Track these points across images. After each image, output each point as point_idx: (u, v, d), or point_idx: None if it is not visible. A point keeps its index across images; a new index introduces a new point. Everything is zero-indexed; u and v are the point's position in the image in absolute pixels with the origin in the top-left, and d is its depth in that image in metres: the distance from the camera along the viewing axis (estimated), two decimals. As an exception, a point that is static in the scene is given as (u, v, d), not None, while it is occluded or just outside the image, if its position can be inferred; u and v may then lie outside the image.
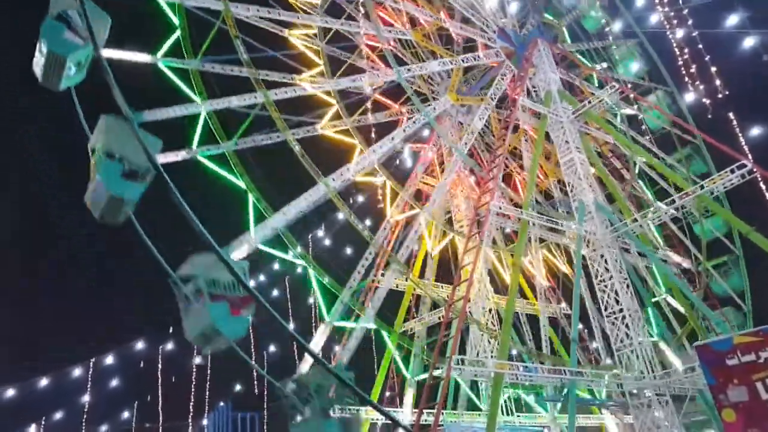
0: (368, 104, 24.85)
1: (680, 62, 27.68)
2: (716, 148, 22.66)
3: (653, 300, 22.06)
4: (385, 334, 22.61)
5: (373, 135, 25.53)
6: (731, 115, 26.36)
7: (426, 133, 26.73)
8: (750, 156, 24.67)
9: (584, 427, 26.47)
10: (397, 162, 27.23)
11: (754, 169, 18.46)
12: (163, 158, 14.55)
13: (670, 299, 24.01)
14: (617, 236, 19.79)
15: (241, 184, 19.95)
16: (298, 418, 11.43)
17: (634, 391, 17.66)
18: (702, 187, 18.42)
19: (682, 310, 23.59)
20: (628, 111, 29.02)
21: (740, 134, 26.12)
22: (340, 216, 23.07)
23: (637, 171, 28.22)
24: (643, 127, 29.90)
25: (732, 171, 17.87)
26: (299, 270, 23.65)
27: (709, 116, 26.79)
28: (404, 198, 23.06)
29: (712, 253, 26.55)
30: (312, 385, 11.31)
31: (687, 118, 29.20)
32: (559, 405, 25.25)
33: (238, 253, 17.58)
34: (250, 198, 19.69)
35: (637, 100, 28.36)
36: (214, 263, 10.45)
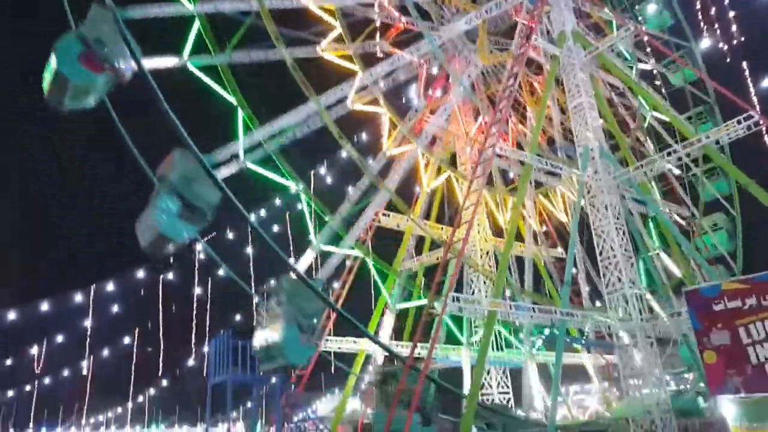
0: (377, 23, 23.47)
1: (698, 6, 27.02)
2: (726, 106, 22.45)
3: (646, 255, 22.38)
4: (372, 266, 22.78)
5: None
6: (744, 64, 25.99)
7: (435, 71, 26.32)
8: (758, 107, 24.63)
9: (567, 364, 27.69)
10: (403, 100, 26.82)
11: (761, 122, 18.40)
12: (150, 63, 14.13)
13: (662, 255, 24.48)
14: (618, 183, 19.96)
15: (232, 99, 19.35)
16: (265, 321, 11.73)
17: (620, 334, 18.29)
18: (708, 136, 18.41)
19: (672, 267, 24.18)
20: (645, 66, 28.50)
21: (751, 85, 25.81)
22: (344, 155, 22.99)
23: (646, 126, 28.10)
24: (657, 82, 29.52)
25: (739, 122, 17.80)
26: (299, 207, 23.52)
27: (727, 60, 26.34)
28: (402, 131, 22.76)
29: (709, 211, 26.87)
30: (286, 291, 11.51)
31: (702, 68, 28.67)
32: (539, 343, 26.36)
33: (226, 170, 17.56)
34: (240, 114, 19.15)
35: (657, 49, 27.73)
36: (195, 166, 10.27)
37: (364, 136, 25.25)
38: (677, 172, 28.29)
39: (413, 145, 21.52)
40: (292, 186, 20.55)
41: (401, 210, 22.96)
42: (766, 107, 25.05)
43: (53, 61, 9.91)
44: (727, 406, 11.21)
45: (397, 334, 25.14)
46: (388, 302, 23.06)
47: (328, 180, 25.54)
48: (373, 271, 23.10)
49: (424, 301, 23.90)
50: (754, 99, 25.65)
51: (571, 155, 25.16)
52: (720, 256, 24.36)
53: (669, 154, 20.21)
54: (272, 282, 12.83)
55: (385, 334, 22.55)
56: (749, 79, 26.37)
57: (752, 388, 11.07)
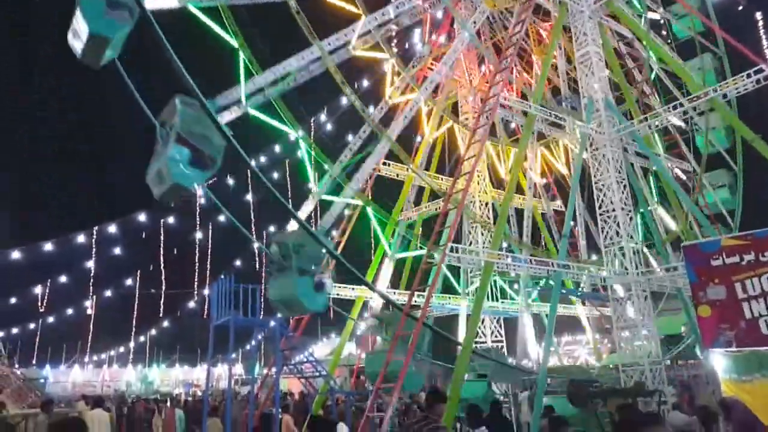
0: None
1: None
2: (736, 58, 21.92)
3: (645, 209, 22.37)
4: (371, 212, 22.77)
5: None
6: (758, 15, 25.26)
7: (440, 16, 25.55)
8: (769, 61, 24.07)
9: (560, 315, 28.30)
10: (407, 46, 26.16)
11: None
12: (150, 3, 13.70)
13: (660, 210, 24.51)
14: (622, 136, 19.77)
15: (234, 42, 18.86)
16: (277, 275, 11.96)
17: (615, 286, 18.54)
18: (715, 90, 18.09)
19: (669, 223, 24.26)
20: (654, 15, 27.62)
21: (764, 37, 25.16)
22: (344, 101, 22.60)
23: (652, 77, 27.53)
24: (664, 32, 28.73)
25: (748, 75, 17.43)
26: (299, 154, 23.30)
27: (740, 8, 25.56)
28: (406, 79, 22.33)
29: (711, 167, 26.67)
30: (291, 243, 11.66)
31: (712, 16, 27.84)
32: (534, 294, 26.88)
33: (228, 115, 17.36)
34: (241, 57, 18.69)
35: None
36: (198, 112, 10.06)
37: (366, 83, 24.69)
38: (680, 123, 27.99)
39: (416, 93, 21.13)
40: (292, 133, 20.33)
41: (402, 159, 22.78)
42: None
43: (83, 23, 9.56)
44: (718, 359, 11.48)
45: (395, 282, 25.49)
46: (386, 250, 23.18)
47: (329, 127, 25.15)
48: (373, 220, 23.17)
49: (422, 251, 24.11)
50: (767, 52, 25.05)
51: (575, 106, 24.82)
52: (719, 214, 24.42)
53: (675, 107, 19.96)
54: (278, 233, 12.91)
55: (384, 281, 22.77)
56: (762, 31, 25.69)
57: (744, 342, 11.30)
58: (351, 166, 20.86)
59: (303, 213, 19.02)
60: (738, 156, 26.14)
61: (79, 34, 9.78)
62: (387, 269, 23.16)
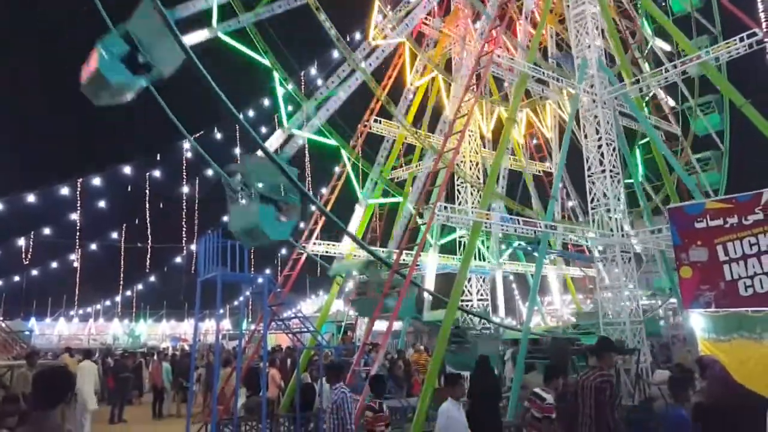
0: None
1: None
2: (731, 34, 21.65)
3: (635, 173, 22.48)
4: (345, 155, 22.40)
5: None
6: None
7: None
8: (764, 25, 23.94)
9: (545, 275, 28.83)
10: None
11: (765, 39, 17.90)
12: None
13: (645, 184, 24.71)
14: (614, 97, 19.68)
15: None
16: (238, 203, 11.70)
17: (600, 248, 18.78)
18: (708, 52, 17.95)
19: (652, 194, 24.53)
20: None
21: (759, 1, 24.88)
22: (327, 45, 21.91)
23: (648, 48, 27.30)
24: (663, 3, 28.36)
25: (741, 39, 17.28)
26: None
27: None
28: (389, 19, 21.64)
29: (698, 150, 26.89)
30: (252, 169, 11.34)
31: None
32: (505, 253, 27.27)
33: (195, 36, 16.76)
34: (276, 77, 19.11)
35: None
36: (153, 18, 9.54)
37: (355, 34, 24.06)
38: (671, 102, 27.97)
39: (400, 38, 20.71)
40: (265, 62, 19.56)
41: (386, 107, 22.43)
42: (771, 25, 24.32)
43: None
44: (697, 320, 11.79)
45: (383, 241, 25.60)
46: (359, 196, 22.68)
47: (315, 79, 24.56)
48: (351, 175, 22.78)
49: (398, 199, 23.95)
50: (761, 16, 24.81)
51: (562, 65, 24.50)
52: (704, 193, 24.70)
53: (667, 70, 19.82)
54: (241, 162, 12.42)
55: (354, 225, 22.27)
56: (758, -4, 25.36)
57: (723, 303, 11.59)
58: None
59: (270, 145, 18.41)
60: (726, 135, 26.42)
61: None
62: (358, 212, 22.66)
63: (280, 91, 19.86)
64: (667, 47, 27.68)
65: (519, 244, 24.74)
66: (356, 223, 22.34)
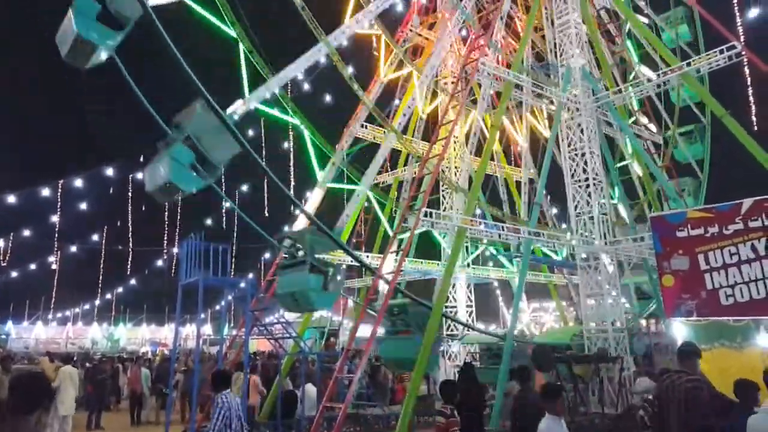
0: None
1: None
2: (712, 46, 22.08)
3: (620, 165, 22.74)
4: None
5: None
6: (734, -8, 25.38)
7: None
8: (743, 38, 24.36)
9: (537, 282, 28.97)
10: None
11: (743, 52, 18.23)
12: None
13: (636, 166, 24.91)
14: (597, 105, 19.88)
15: (232, 32, 18.28)
16: (287, 269, 12.19)
17: (583, 255, 18.89)
18: (689, 64, 18.21)
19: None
20: None
21: (738, 15, 25.37)
22: (322, 60, 21.86)
23: (626, 31, 27.55)
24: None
25: (721, 51, 17.57)
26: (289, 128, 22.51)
27: None
28: (399, 56, 21.77)
29: (683, 121, 27.34)
30: (308, 241, 11.91)
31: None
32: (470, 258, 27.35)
33: (234, 110, 16.82)
34: (242, 48, 18.20)
35: None
36: (210, 118, 9.90)
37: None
38: (654, 129, 28.39)
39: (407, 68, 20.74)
40: (230, 31, 19.12)
41: (377, 119, 22.35)
42: (751, 39, 24.78)
43: (72, 24, 9.00)
44: (679, 328, 11.87)
45: (368, 246, 25.51)
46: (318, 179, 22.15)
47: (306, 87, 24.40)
48: (312, 155, 22.30)
49: (359, 187, 23.46)
50: (740, 30, 25.27)
51: (548, 73, 24.70)
52: (688, 164, 25.10)
53: (649, 80, 20.09)
54: (292, 231, 12.89)
55: (311, 206, 21.69)
56: (736, 7, 25.85)
57: (704, 312, 11.68)
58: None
59: (312, 204, 18.63)
60: (705, 161, 26.95)
61: (66, 35, 9.25)
62: (317, 196, 22.14)
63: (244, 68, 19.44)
64: (652, 74, 28.13)
65: (498, 250, 24.83)
66: (312, 207, 21.62)
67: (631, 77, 26.25)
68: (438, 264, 25.93)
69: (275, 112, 20.57)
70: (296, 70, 18.66)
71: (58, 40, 9.74)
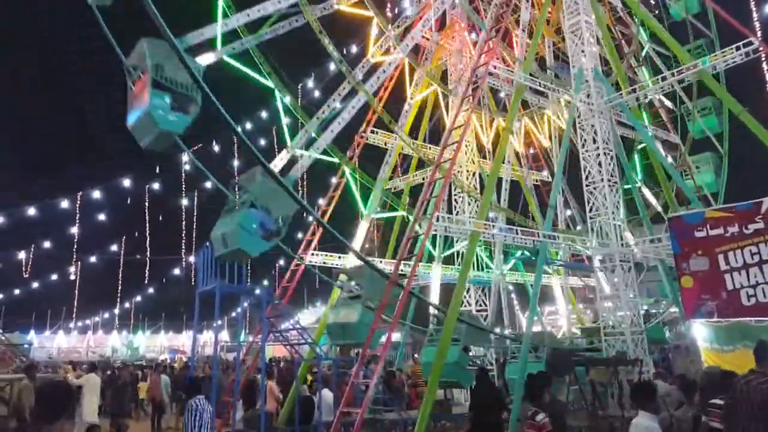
0: None
1: None
2: (728, 41, 21.77)
3: (633, 185, 22.46)
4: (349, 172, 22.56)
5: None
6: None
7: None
8: (759, 34, 24.04)
9: (544, 285, 28.69)
10: (396, 9, 25.52)
11: (761, 48, 17.99)
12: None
13: (644, 189, 24.69)
14: (611, 107, 19.71)
15: (269, 83, 19.27)
16: (227, 212, 11.69)
17: (599, 257, 18.72)
18: (705, 62, 18.01)
19: (652, 199, 24.51)
20: None
21: (754, 11, 25.01)
22: (326, 62, 22.04)
23: (643, 54, 27.40)
24: (656, 12, 28.55)
25: (737, 48, 17.36)
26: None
27: None
28: (389, 37, 21.74)
29: (698, 150, 26.90)
30: (256, 185, 11.30)
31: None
32: (507, 266, 27.16)
33: (202, 58, 16.76)
34: (278, 96, 19.38)
35: None
36: (167, 53, 9.89)
37: (352, 48, 24.11)
38: (669, 104, 28.04)
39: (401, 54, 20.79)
40: (267, 83, 19.71)
41: (387, 124, 22.45)
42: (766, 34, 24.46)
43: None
44: (699, 330, 11.70)
45: (382, 251, 25.51)
46: (362, 210, 22.75)
47: (314, 92, 24.56)
48: (352, 184, 22.78)
49: (400, 213, 23.94)
50: (756, 25, 24.94)
51: (559, 75, 24.60)
52: (703, 196, 24.64)
53: (664, 78, 19.89)
54: (244, 178, 12.39)
55: (359, 241, 22.30)
56: (753, 3, 25.50)
57: (725, 312, 11.51)
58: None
59: (275, 166, 18.49)
60: (725, 138, 26.40)
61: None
62: (363, 227, 22.69)
63: (285, 118, 20.37)
64: (665, 52, 27.81)
65: (522, 253, 24.63)
66: (361, 237, 22.44)
67: (644, 73, 26.11)
68: (452, 269, 25.88)
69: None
70: (342, 123, 18.94)
71: (136, 132, 10.03)
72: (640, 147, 25.61)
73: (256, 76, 19.20)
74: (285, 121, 20.15)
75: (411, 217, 21.04)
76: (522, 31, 20.95)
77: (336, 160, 21.75)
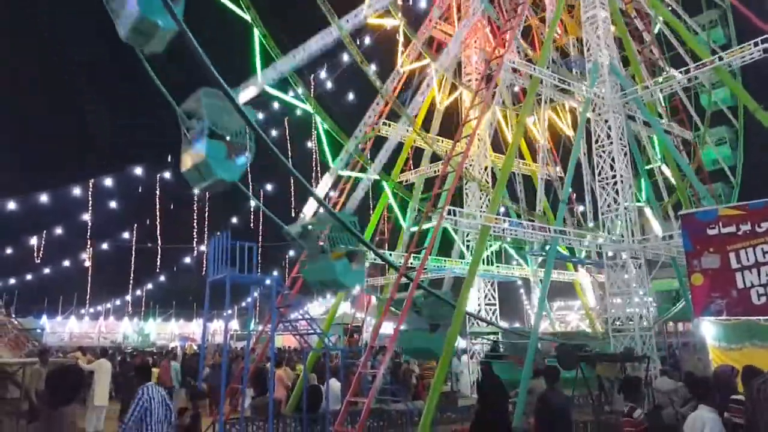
0: None
1: None
2: (744, 19, 21.47)
3: (647, 168, 22.35)
4: (385, 184, 22.79)
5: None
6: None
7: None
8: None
9: (558, 281, 28.58)
10: (410, 1, 25.43)
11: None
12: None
13: (664, 168, 24.42)
14: (626, 102, 19.55)
15: (247, 17, 18.60)
16: (313, 258, 12.52)
17: (610, 253, 18.62)
18: (720, 58, 17.78)
19: (672, 181, 24.22)
20: None
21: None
22: (345, 58, 22.14)
23: (656, 31, 26.98)
24: None
25: (755, 44, 17.12)
26: (298, 112, 22.93)
27: None
28: (417, 47, 21.92)
29: (714, 123, 26.56)
30: (206, 105, 11.19)
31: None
32: (539, 260, 27.05)
33: (244, 94, 17.12)
34: (256, 33, 18.47)
35: None
36: (221, 104, 10.04)
37: (378, 56, 24.25)
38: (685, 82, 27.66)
39: (427, 59, 20.98)
40: (305, 107, 20.16)
41: (400, 113, 22.41)
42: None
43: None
44: (708, 328, 11.65)
45: (391, 244, 25.58)
46: (402, 223, 23.28)
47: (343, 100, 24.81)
48: (385, 186, 22.99)
49: (432, 223, 24.08)
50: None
51: (583, 70, 24.43)
52: (719, 169, 24.41)
53: (682, 73, 19.67)
54: (302, 221, 13.05)
55: (321, 193, 22.06)
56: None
57: (735, 311, 11.44)
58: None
59: (321, 191, 19.21)
60: (740, 114, 26.01)
61: (126, 16, 9.44)
62: (405, 238, 23.19)
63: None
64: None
65: (543, 247, 24.61)
66: (322, 192, 21.96)
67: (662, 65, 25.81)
68: (461, 262, 25.87)
69: (289, 97, 20.93)
70: (307, 50, 18.69)
71: (189, 177, 9.93)
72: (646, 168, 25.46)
73: (297, 102, 19.27)
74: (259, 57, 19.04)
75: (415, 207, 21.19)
76: (548, 28, 20.84)
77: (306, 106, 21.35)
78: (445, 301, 14.53)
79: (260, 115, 25.56)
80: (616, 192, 18.61)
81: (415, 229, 23.54)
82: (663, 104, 25.98)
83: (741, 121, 25.88)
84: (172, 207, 36.91)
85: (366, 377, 15.15)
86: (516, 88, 26.68)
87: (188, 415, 7.80)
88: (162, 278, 50.84)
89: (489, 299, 26.54)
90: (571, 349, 16.06)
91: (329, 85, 24.20)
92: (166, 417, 7.15)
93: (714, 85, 26.09)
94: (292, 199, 33.53)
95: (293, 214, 34.10)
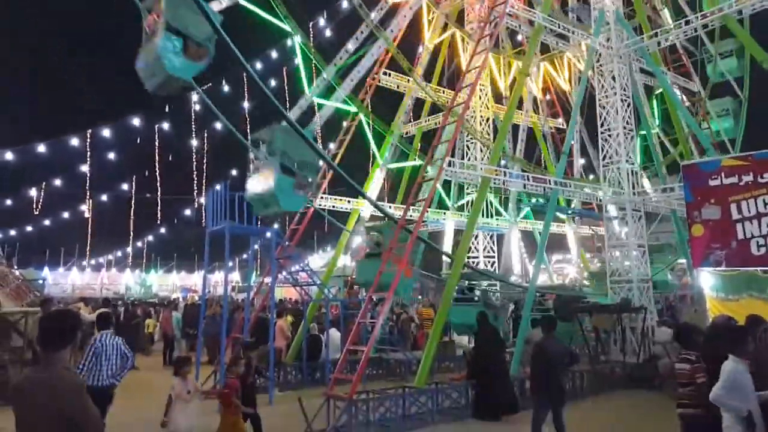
0: None
1: None
2: None
3: (648, 131, 21.98)
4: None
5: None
6: None
7: None
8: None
9: (552, 233, 28.66)
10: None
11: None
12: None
13: (662, 135, 24.12)
14: (631, 51, 19.07)
15: (287, 27, 19.02)
16: (258, 171, 11.84)
17: (610, 206, 18.55)
18: (731, 5, 17.21)
19: (670, 148, 23.96)
20: None
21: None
22: (344, 5, 21.46)
23: None
24: None
25: (767, -9, 16.51)
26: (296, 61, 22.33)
27: None
28: None
29: (714, 97, 25.93)
30: (278, 138, 11.28)
31: None
32: (523, 211, 27.15)
33: (216, 4, 16.48)
34: (297, 40, 19.36)
35: None
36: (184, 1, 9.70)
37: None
38: (690, 48, 27.01)
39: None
40: (284, 26, 19.54)
41: (402, 66, 21.97)
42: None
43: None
44: (706, 278, 11.69)
45: (392, 196, 25.48)
46: (378, 160, 22.74)
47: (327, 33, 23.88)
48: (368, 130, 22.63)
49: (417, 162, 23.85)
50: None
51: (582, 19, 23.75)
52: (721, 142, 24.04)
53: (687, 23, 19.11)
54: (266, 131, 12.41)
55: (374, 191, 22.40)
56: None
57: (733, 262, 11.47)
58: (348, 70, 20.22)
59: (293, 114, 18.54)
60: (745, 84, 25.49)
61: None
62: (378, 179, 22.75)
63: (304, 67, 20.18)
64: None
65: (536, 201, 24.55)
66: (377, 187, 22.48)
67: (666, 14, 25.08)
68: (456, 214, 25.89)
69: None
70: (362, 71, 19.27)
71: (143, 74, 9.66)
72: (657, 92, 24.87)
73: (272, 19, 18.89)
74: (298, 63, 19.93)
75: (422, 163, 20.84)
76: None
77: (353, 108, 21.49)
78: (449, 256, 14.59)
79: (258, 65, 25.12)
80: (618, 143, 18.38)
81: (391, 166, 23.46)
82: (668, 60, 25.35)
83: (746, 92, 25.39)
84: (170, 158, 36.48)
85: (365, 328, 15.35)
86: (519, 37, 25.99)
87: (242, 364, 8.23)
88: (163, 230, 51.00)
89: (488, 251, 26.71)
90: (569, 301, 16.25)
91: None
92: (122, 361, 7.71)
93: (721, 55, 25.46)
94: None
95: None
